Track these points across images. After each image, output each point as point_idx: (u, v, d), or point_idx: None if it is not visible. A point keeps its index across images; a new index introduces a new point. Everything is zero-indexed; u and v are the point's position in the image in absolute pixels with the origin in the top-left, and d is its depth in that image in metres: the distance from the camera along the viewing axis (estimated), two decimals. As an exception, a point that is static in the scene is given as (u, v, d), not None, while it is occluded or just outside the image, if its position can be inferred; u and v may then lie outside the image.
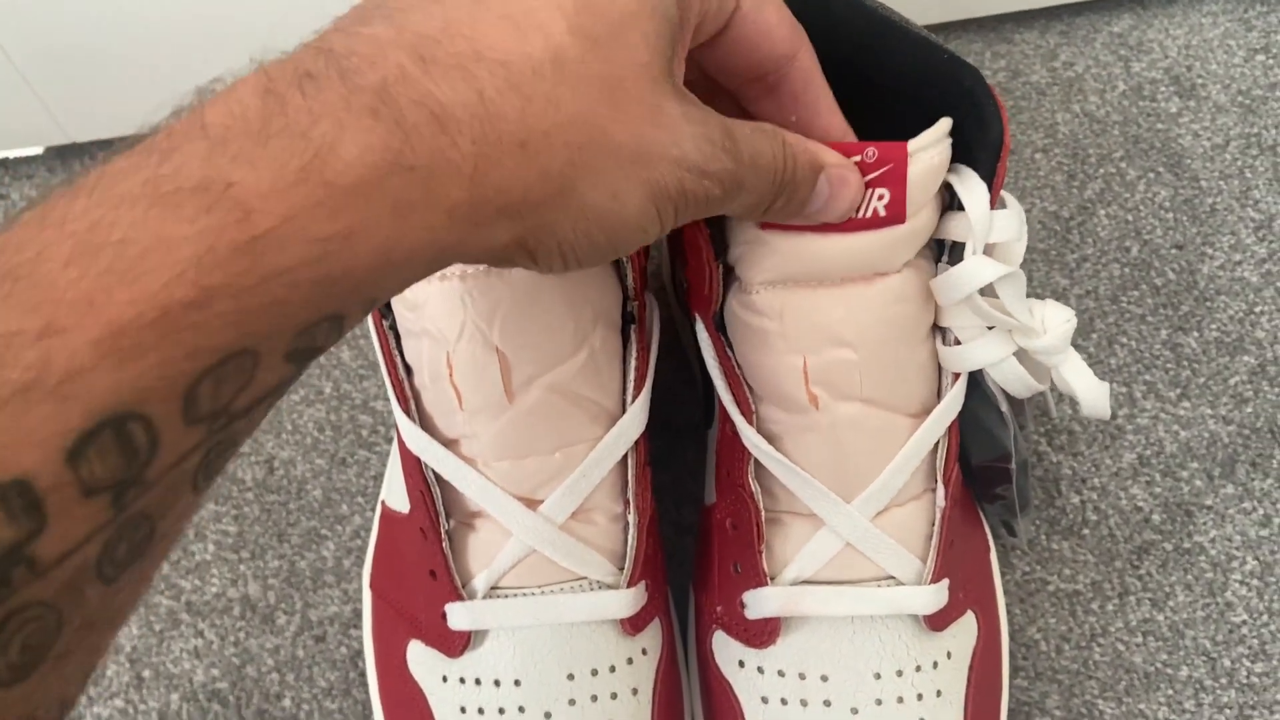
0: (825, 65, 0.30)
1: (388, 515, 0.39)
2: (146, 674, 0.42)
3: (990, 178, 0.31)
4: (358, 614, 0.43)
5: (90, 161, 0.53)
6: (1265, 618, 0.42)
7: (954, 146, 0.31)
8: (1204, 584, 0.43)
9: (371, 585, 0.40)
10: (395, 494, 0.38)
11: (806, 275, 0.32)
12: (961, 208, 0.31)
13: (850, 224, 0.30)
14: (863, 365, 0.32)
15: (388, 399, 0.47)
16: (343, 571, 0.44)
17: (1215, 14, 0.56)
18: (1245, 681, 0.41)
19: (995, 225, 0.31)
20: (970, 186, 0.31)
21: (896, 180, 0.29)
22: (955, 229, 0.32)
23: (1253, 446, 0.45)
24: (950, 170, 0.32)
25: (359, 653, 0.42)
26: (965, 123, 0.31)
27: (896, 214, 0.30)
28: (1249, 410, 0.46)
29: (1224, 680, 0.41)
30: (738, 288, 0.33)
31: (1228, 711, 0.40)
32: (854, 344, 0.32)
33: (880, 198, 0.30)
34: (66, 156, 0.54)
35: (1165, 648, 0.42)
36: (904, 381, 0.33)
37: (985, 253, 0.31)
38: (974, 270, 0.31)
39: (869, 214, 0.30)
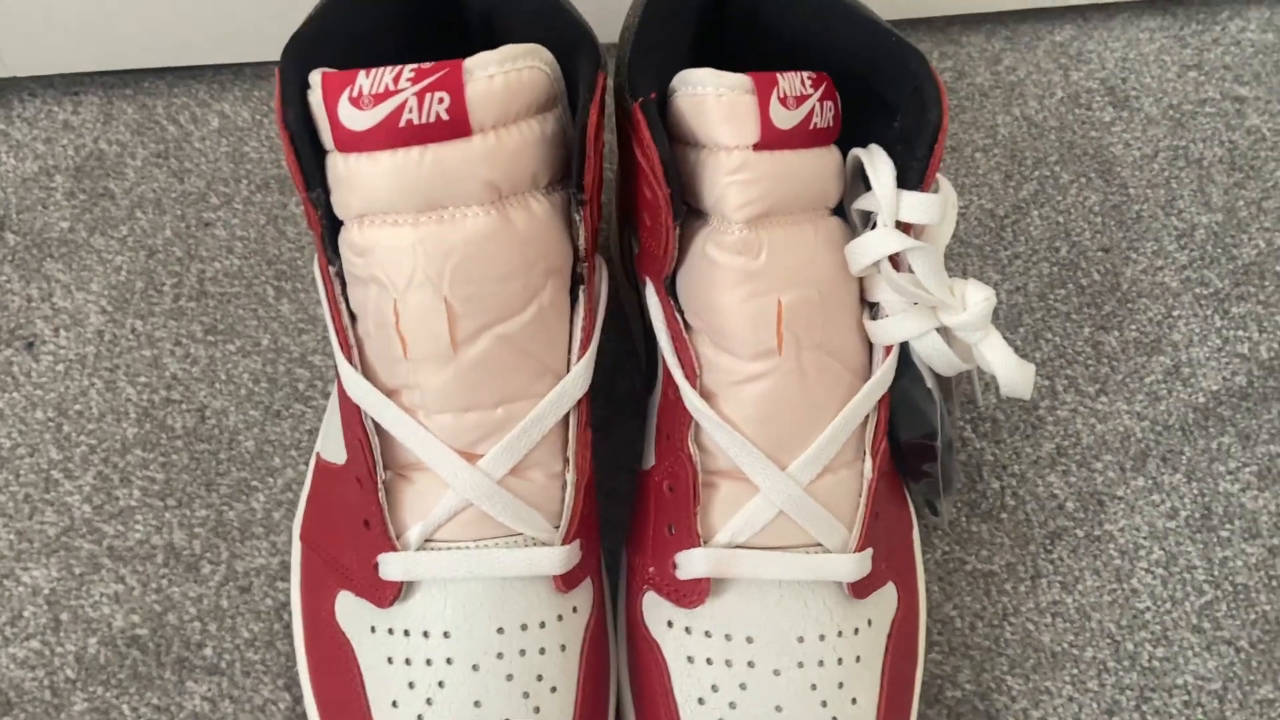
0: (773, 45, 0.31)
1: (322, 467, 0.39)
2: (64, 617, 0.41)
3: (927, 156, 0.32)
4: (285, 567, 0.42)
5: (30, 98, 0.51)
6: (1168, 605, 0.44)
7: (896, 126, 0.32)
8: (1112, 570, 0.44)
9: (302, 536, 0.39)
10: (331, 446, 0.38)
11: (784, 201, 0.33)
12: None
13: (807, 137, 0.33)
14: (823, 306, 0.34)
15: (326, 354, 0.47)
16: (272, 524, 0.43)
17: (1152, 30, 0.58)
18: (1147, 665, 0.43)
19: (909, 204, 0.33)
20: (877, 165, 0.33)
21: None
22: (873, 203, 0.34)
23: (1164, 442, 0.47)
24: (863, 149, 0.34)
25: (285, 605, 0.42)
26: (908, 104, 0.32)
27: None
28: (1162, 408, 0.48)
29: (1126, 663, 0.43)
30: (712, 233, 0.34)
31: (1129, 692, 0.42)
32: (817, 284, 0.34)
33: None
34: (4, 91, 0.52)
35: (1072, 629, 0.43)
36: (850, 332, 0.35)
37: (912, 234, 0.33)
38: (877, 240, 0.33)
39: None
